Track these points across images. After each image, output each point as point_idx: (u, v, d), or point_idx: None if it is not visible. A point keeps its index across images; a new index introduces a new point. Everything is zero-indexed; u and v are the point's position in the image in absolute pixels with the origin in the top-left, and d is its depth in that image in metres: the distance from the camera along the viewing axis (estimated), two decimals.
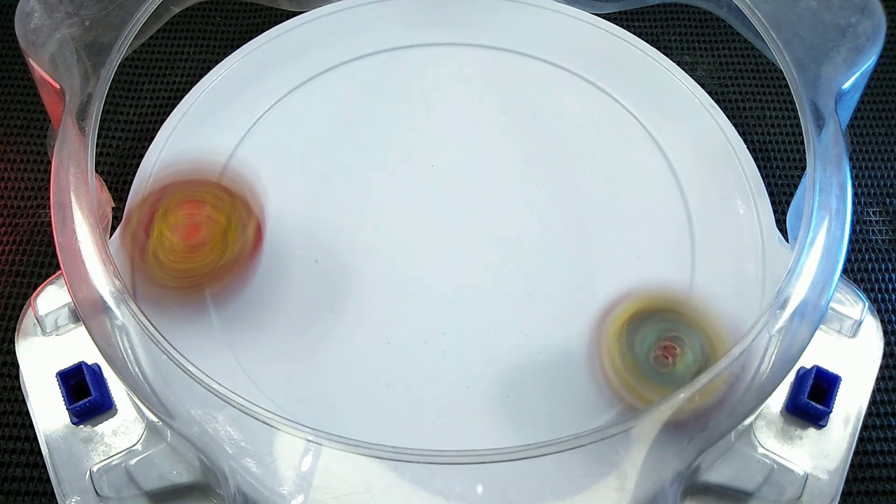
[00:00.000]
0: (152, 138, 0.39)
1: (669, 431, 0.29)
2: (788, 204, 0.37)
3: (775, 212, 0.37)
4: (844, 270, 0.32)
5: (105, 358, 0.30)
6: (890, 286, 0.40)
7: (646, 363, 0.31)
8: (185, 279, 0.34)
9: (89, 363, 0.33)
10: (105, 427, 0.32)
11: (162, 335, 0.30)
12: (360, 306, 0.35)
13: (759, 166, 0.38)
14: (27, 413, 0.33)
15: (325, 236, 0.37)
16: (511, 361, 0.34)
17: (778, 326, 0.30)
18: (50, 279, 0.35)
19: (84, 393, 0.32)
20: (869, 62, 0.35)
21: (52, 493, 0.32)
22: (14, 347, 0.34)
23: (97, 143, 0.34)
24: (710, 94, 0.41)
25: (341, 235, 0.37)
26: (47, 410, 0.33)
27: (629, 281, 0.36)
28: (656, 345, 0.31)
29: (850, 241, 0.36)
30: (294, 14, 0.44)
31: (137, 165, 0.38)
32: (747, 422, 0.32)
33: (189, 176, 0.35)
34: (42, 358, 0.33)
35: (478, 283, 0.36)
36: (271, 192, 0.38)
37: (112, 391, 0.33)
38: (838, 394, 0.32)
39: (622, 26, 0.43)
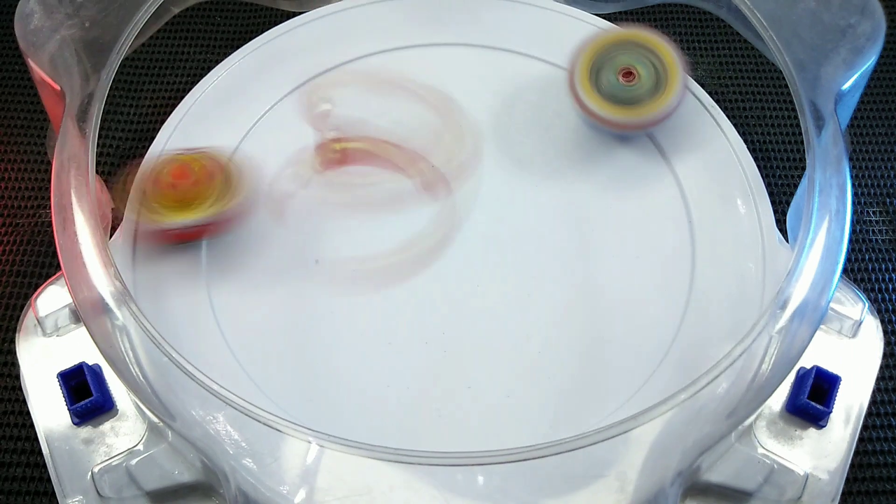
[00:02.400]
0: (152, 138, 0.39)
1: None
2: (788, 204, 0.37)
3: (775, 212, 0.37)
4: (844, 271, 0.32)
5: (106, 359, 0.30)
6: (890, 286, 0.40)
7: (615, 87, 0.38)
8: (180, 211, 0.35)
9: (90, 364, 0.33)
10: (106, 427, 0.32)
11: (162, 336, 0.30)
12: (360, 306, 0.35)
13: (759, 166, 0.38)
14: (28, 413, 0.33)
15: (325, 236, 0.37)
16: (511, 361, 0.34)
17: (778, 327, 0.31)
18: (51, 280, 0.35)
19: (85, 393, 0.32)
20: (868, 63, 0.35)
21: (53, 494, 0.32)
22: (14, 348, 0.34)
23: (97, 143, 0.34)
24: (710, 94, 0.41)
25: (341, 235, 0.37)
26: (48, 411, 0.33)
27: (629, 281, 0.36)
28: (618, 71, 0.38)
29: (850, 241, 0.36)
30: (294, 14, 0.44)
31: (137, 166, 0.38)
32: (747, 422, 0.32)
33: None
34: (43, 358, 0.33)
35: (478, 282, 0.36)
36: (271, 192, 0.38)
37: (113, 391, 0.33)
38: (838, 394, 0.32)
39: (622, 26, 0.43)
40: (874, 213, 0.42)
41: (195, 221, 0.34)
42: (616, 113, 0.37)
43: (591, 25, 0.43)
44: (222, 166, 0.36)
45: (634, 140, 0.39)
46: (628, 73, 0.38)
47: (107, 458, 0.32)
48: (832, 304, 0.34)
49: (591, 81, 0.38)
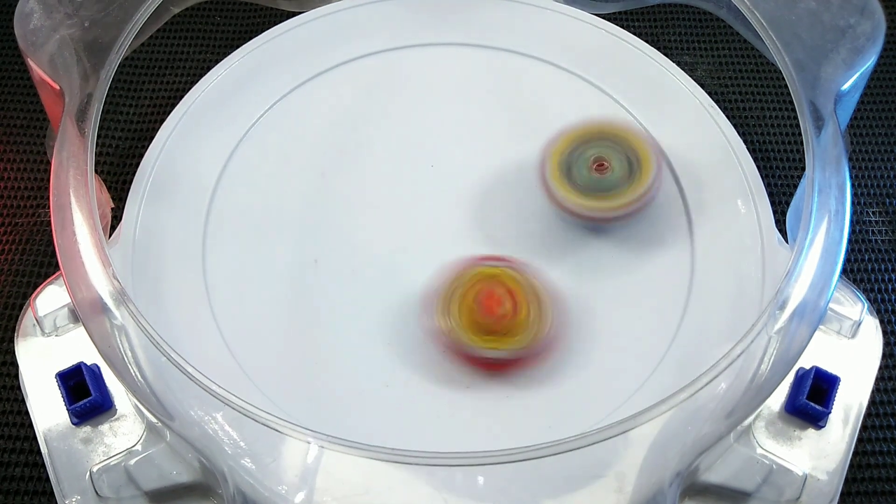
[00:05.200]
0: (152, 138, 0.39)
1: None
2: (788, 204, 0.37)
3: (775, 212, 0.37)
4: (844, 271, 0.32)
5: (104, 359, 0.30)
6: (889, 287, 0.40)
7: (586, 178, 0.36)
8: None
9: (89, 363, 0.33)
10: (105, 427, 0.32)
11: (161, 336, 0.30)
12: (360, 306, 0.35)
13: (758, 166, 0.38)
14: (27, 413, 0.33)
15: (325, 236, 0.37)
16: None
17: (777, 327, 0.30)
18: (49, 279, 0.35)
19: (84, 393, 0.32)
20: (868, 63, 0.35)
21: (52, 493, 0.32)
22: (14, 347, 0.34)
23: (96, 143, 0.34)
24: (710, 94, 0.41)
25: (341, 235, 0.37)
26: (47, 411, 0.33)
27: (629, 281, 0.36)
28: (591, 162, 0.36)
29: (850, 241, 0.36)
30: (294, 14, 0.44)
31: (137, 165, 0.38)
32: (746, 422, 0.32)
33: None
34: (41, 358, 0.33)
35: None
36: (271, 192, 0.38)
37: (112, 391, 0.33)
38: (837, 394, 0.32)
39: (622, 26, 0.43)
40: (874, 213, 0.42)
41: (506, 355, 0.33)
42: (590, 204, 0.36)
43: (591, 25, 0.43)
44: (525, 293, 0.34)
45: None
46: (601, 165, 0.36)
47: (105, 457, 0.32)
48: (831, 305, 0.34)
49: (563, 174, 0.36)
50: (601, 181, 0.36)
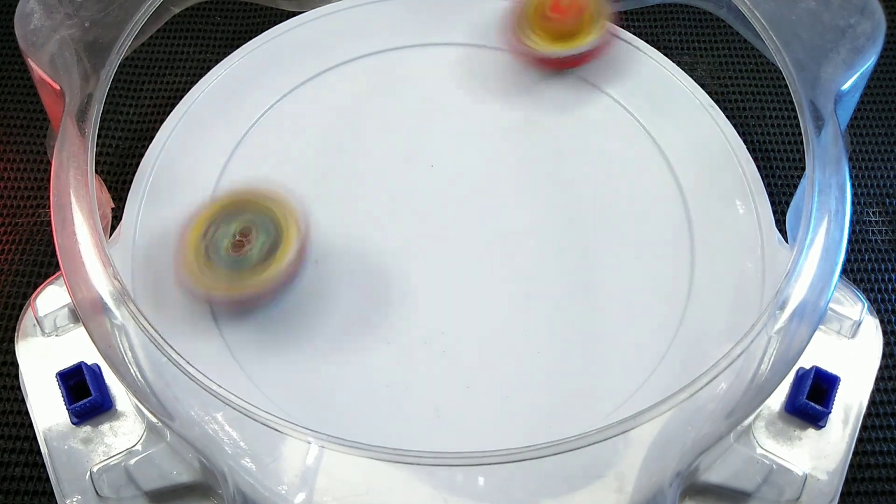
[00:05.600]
0: (152, 138, 0.39)
1: None
2: (788, 204, 0.37)
3: (775, 212, 0.37)
4: (844, 271, 0.32)
5: (104, 358, 0.30)
6: (889, 286, 0.40)
7: (225, 255, 0.33)
8: None
9: (89, 363, 0.33)
10: (105, 427, 0.32)
11: (161, 336, 0.30)
12: (359, 306, 0.35)
13: (758, 166, 0.38)
14: (27, 413, 0.33)
15: (325, 236, 0.37)
16: (511, 361, 0.34)
17: (777, 327, 0.31)
18: (50, 279, 0.35)
19: (84, 393, 0.32)
20: (868, 63, 0.35)
21: (52, 493, 0.32)
22: (14, 347, 0.34)
23: (96, 143, 0.34)
24: (709, 94, 0.41)
25: (341, 235, 0.37)
26: (47, 410, 0.33)
27: (629, 281, 0.36)
28: (231, 237, 0.34)
29: (850, 241, 0.36)
30: (294, 14, 0.44)
31: (137, 165, 0.38)
32: (746, 422, 0.32)
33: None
34: (42, 358, 0.33)
35: (477, 282, 0.36)
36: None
37: (112, 391, 0.33)
38: (837, 394, 0.32)
39: (622, 26, 0.43)
40: (874, 213, 0.42)
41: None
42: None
43: None
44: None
45: (635, 140, 0.39)
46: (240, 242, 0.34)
47: (105, 457, 0.32)
48: (831, 305, 0.34)
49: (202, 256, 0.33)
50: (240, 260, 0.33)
